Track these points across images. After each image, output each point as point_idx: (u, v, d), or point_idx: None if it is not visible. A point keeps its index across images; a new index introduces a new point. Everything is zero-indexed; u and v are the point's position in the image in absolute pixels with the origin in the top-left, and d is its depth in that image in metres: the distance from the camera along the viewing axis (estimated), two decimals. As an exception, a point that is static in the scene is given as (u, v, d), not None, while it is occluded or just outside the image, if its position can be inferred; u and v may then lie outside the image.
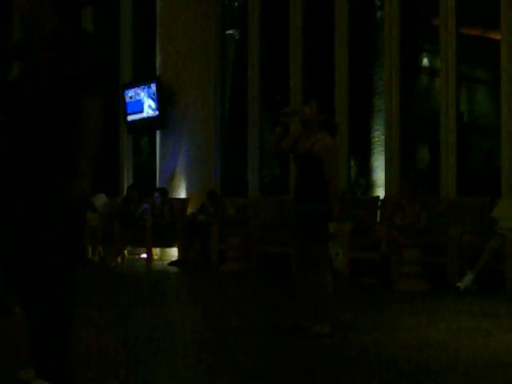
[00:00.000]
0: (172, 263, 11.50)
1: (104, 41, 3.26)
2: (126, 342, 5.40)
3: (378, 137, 11.17)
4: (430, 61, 11.50)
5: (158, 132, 13.05)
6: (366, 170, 11.60)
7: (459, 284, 8.03)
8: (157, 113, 12.70)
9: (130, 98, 13.07)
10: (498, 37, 10.10)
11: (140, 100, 12.91)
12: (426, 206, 9.29)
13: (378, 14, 11.34)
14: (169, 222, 11.87)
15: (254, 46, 12.40)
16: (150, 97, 12.72)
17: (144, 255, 12.20)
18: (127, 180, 13.69)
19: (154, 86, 12.68)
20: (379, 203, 10.61)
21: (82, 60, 3.51)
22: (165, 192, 12.40)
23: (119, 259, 12.15)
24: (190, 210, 12.27)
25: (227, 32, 13.14)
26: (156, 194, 12.34)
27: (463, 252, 8.50)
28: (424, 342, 5.56)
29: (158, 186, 12.74)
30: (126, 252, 12.50)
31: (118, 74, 13.71)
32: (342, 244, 9.15)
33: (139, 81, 13.28)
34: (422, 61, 11.80)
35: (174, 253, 12.00)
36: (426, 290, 8.35)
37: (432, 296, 8.13)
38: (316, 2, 11.86)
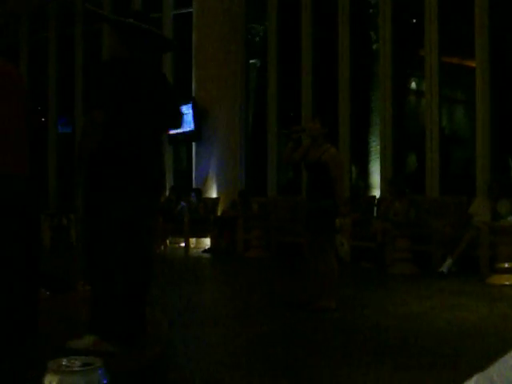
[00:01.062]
0: (205, 251, 11.54)
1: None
2: (168, 312, 5.45)
3: (375, 147, 11.15)
4: (417, 84, 11.47)
5: (193, 143, 13.08)
6: (365, 174, 11.59)
7: (443, 269, 8.00)
8: (193, 127, 12.73)
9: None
10: (473, 64, 10.08)
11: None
12: (414, 203, 9.26)
13: (375, 46, 11.34)
14: (203, 217, 11.90)
15: (272, 72, 12.43)
16: (187, 114, 12.75)
17: (183, 244, 12.24)
18: (169, 182, 13.74)
19: (190, 106, 12.71)
20: (375, 201, 10.62)
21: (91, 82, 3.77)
22: (199, 192, 12.43)
23: (162, 247, 12.21)
24: (220, 207, 12.30)
25: (250, 61, 13.17)
26: (192, 194, 12.37)
27: (445, 241, 8.49)
28: (412, 314, 5.59)
29: (193, 187, 12.76)
30: (167, 241, 12.55)
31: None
32: (345, 235, 9.24)
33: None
34: (410, 84, 11.77)
35: (207, 242, 12.03)
36: (414, 273, 8.33)
37: (419, 277, 8.11)
38: (323, 36, 11.87)
